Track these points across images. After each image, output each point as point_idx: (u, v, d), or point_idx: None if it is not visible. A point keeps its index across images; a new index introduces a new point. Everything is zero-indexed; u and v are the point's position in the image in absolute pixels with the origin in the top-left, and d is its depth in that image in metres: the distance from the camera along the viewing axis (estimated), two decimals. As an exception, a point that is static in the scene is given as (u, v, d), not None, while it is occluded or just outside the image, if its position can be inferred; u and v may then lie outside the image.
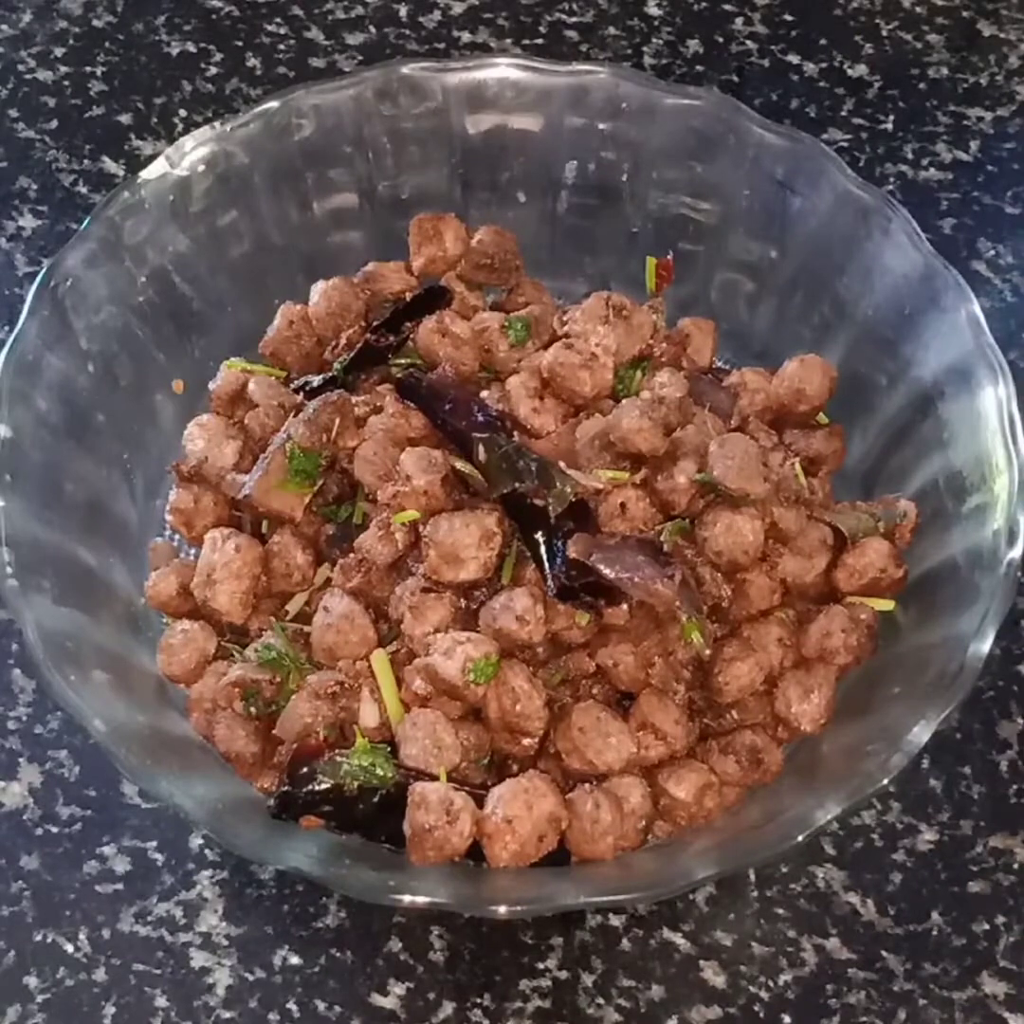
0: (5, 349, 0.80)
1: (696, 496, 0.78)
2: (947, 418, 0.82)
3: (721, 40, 1.17)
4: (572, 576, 0.75)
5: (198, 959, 0.79)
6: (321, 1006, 0.78)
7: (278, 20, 1.18)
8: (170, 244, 0.89)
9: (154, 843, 0.82)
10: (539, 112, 0.93)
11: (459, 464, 0.79)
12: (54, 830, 0.83)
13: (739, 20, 1.18)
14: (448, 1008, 0.78)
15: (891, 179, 1.09)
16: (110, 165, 1.10)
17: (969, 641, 0.72)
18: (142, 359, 0.88)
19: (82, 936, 0.80)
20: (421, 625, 0.76)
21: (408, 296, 0.89)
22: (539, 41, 1.16)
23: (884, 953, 0.80)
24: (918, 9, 1.20)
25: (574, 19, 1.18)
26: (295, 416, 0.83)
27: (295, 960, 0.79)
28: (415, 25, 1.17)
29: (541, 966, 0.79)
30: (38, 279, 0.83)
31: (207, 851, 0.82)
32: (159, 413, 0.90)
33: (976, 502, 0.78)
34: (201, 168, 0.89)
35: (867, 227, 0.87)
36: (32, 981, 0.78)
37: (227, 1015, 0.78)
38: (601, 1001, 0.78)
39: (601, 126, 0.93)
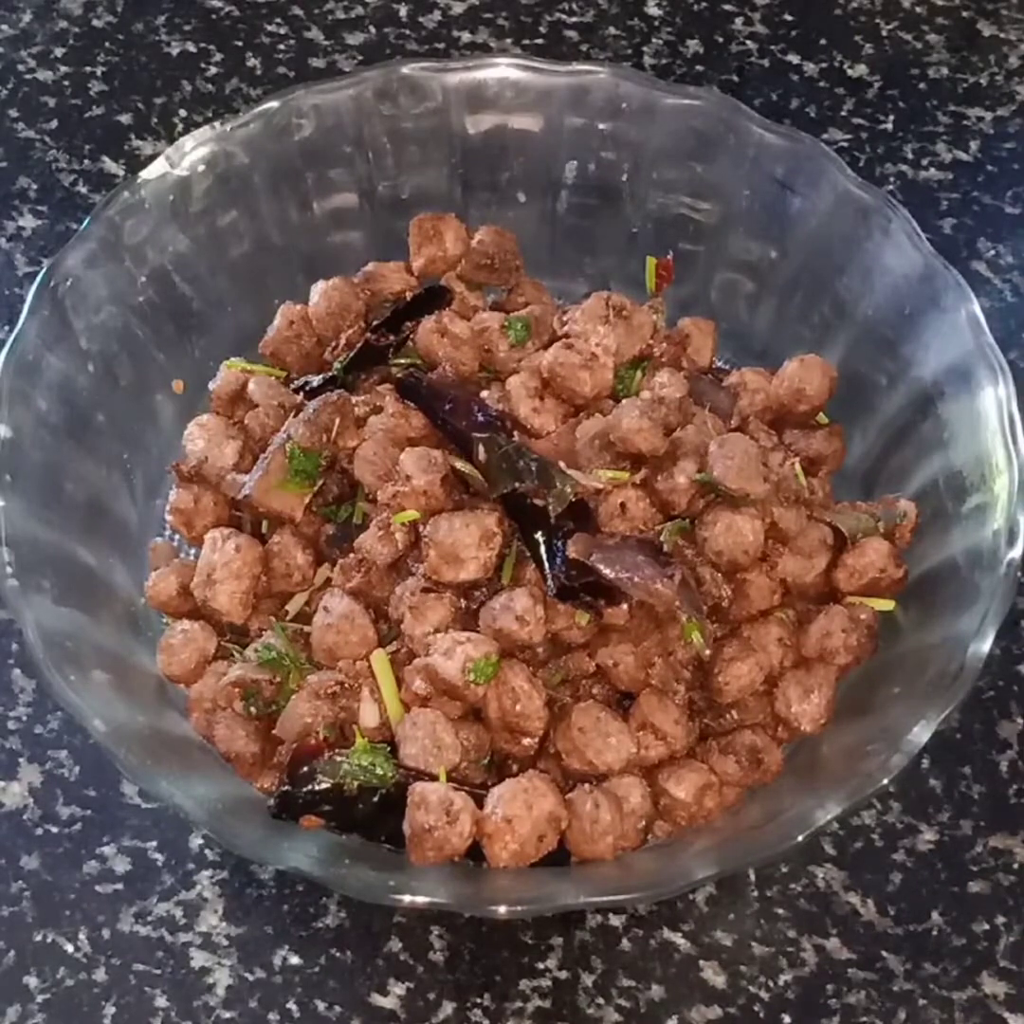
0: (5, 349, 0.80)
1: (696, 496, 0.78)
2: (947, 418, 0.82)
3: (721, 40, 1.17)
4: (572, 576, 0.75)
5: (198, 959, 0.79)
6: (321, 1006, 0.78)
7: (278, 20, 1.18)
8: (170, 244, 0.89)
9: (154, 843, 0.82)
10: (539, 112, 0.93)
11: (459, 464, 0.79)
12: (54, 830, 0.83)
13: (739, 20, 1.18)
14: (448, 1008, 0.78)
15: (891, 179, 1.09)
16: (110, 165, 1.10)
17: (969, 641, 0.72)
18: (142, 359, 0.88)
19: (82, 936, 0.80)
20: (421, 625, 0.76)
21: (408, 296, 0.89)
22: (539, 41, 1.16)
23: (884, 953, 0.80)
24: (918, 9, 1.20)
25: (574, 19, 1.18)
26: (295, 416, 0.83)
27: (295, 960, 0.79)
28: (415, 25, 1.17)
29: (541, 966, 0.79)
30: (38, 279, 0.83)
31: (207, 851, 0.82)
32: (159, 413, 0.90)
33: (976, 502, 0.78)
34: (201, 168, 0.89)
35: (867, 227, 0.87)
36: (32, 981, 0.78)
37: (227, 1015, 0.78)
38: (601, 1001, 0.78)
39: (601, 126, 0.93)
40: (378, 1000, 0.78)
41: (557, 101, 0.93)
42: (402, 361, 0.86)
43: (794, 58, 1.16)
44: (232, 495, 0.84)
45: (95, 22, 1.18)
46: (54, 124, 1.12)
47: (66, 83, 1.14)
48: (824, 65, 1.16)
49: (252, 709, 0.78)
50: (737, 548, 0.77)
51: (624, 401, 0.81)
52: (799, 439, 0.87)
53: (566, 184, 0.95)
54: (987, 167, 1.11)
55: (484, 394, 0.83)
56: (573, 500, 0.77)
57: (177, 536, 0.87)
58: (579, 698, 0.78)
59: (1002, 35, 1.18)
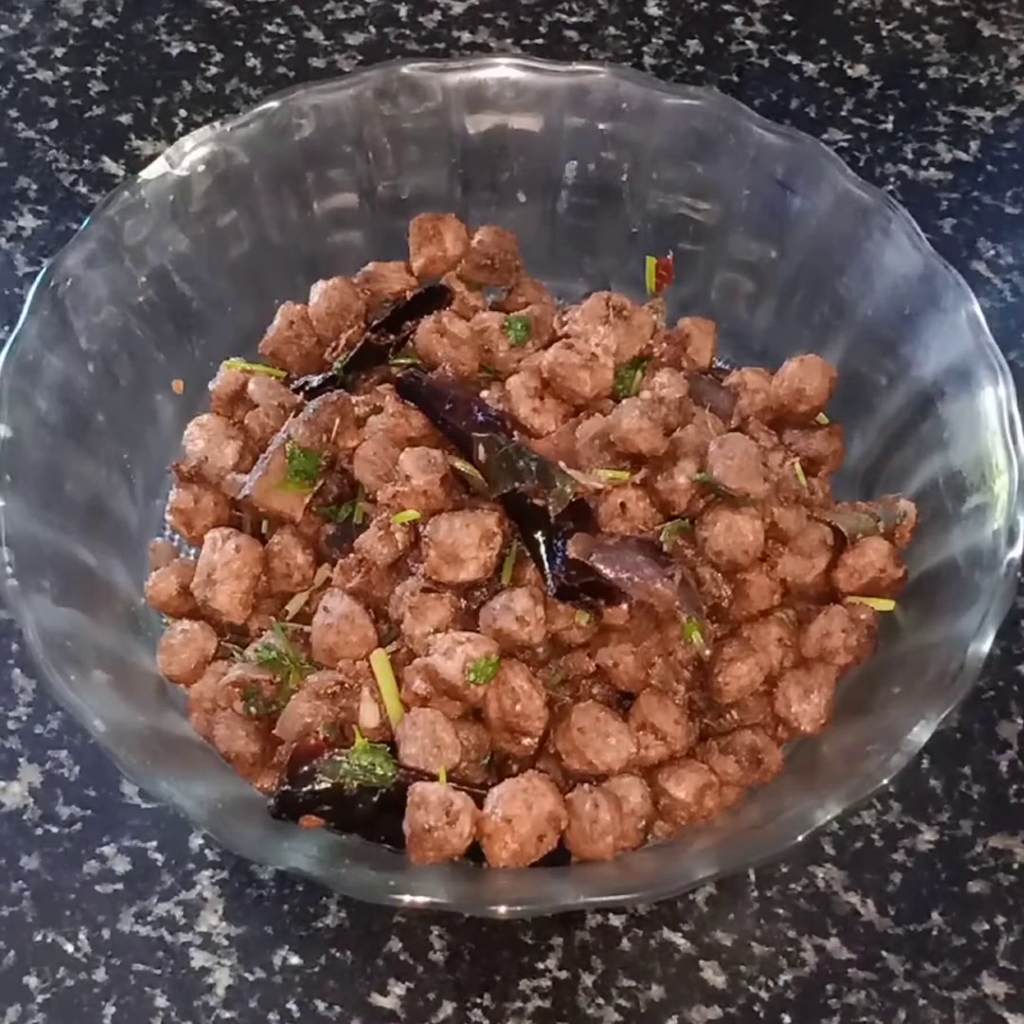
0: (5, 349, 0.80)
1: (696, 496, 0.78)
2: (947, 418, 0.82)
3: (721, 40, 1.17)
4: (572, 576, 0.75)
5: (198, 959, 0.79)
6: (321, 1006, 0.78)
7: (278, 20, 1.18)
8: (170, 244, 0.89)
9: (154, 843, 0.82)
10: (539, 112, 0.93)
11: (459, 464, 0.79)
12: (54, 830, 0.83)
13: (739, 20, 1.18)
14: (448, 1008, 0.78)
15: (891, 179, 1.09)
16: (110, 165, 1.10)
17: (969, 641, 0.72)
18: (142, 359, 0.88)
19: (82, 936, 0.80)
20: (421, 625, 0.76)
21: (408, 296, 0.89)
22: (539, 41, 1.16)
23: (884, 953, 0.80)
24: (918, 9, 1.20)
25: (574, 19, 1.18)
26: (295, 416, 0.83)
27: (295, 960, 0.79)
28: (415, 25, 1.17)
29: (541, 966, 0.79)
30: (38, 279, 0.83)
31: (207, 851, 0.82)
32: (159, 413, 0.90)
33: (976, 502, 0.78)
34: (201, 168, 0.89)
35: (867, 227, 0.87)
36: (32, 981, 0.78)
37: (227, 1015, 0.78)
38: (601, 1001, 0.78)
39: (601, 126, 0.93)
40: (378, 1000, 0.78)
41: (557, 101, 0.93)
42: (402, 361, 0.86)
43: (794, 58, 1.16)
44: (232, 495, 0.84)
45: (95, 22, 1.18)
46: (54, 124, 1.12)
47: (66, 83, 1.14)
48: (824, 65, 1.16)
49: (252, 709, 0.78)
50: (737, 548, 0.77)
51: (624, 401, 0.81)
52: (799, 439, 0.87)
53: (566, 184, 0.95)
54: (987, 167, 1.11)
55: (484, 394, 0.83)
56: (573, 500, 0.77)
57: (177, 536, 0.87)
58: (579, 698, 0.78)
59: (1002, 35, 1.18)
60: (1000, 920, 0.81)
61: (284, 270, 0.94)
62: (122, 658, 0.79)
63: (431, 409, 0.82)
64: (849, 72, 1.16)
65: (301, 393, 0.86)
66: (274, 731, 0.77)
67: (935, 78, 1.15)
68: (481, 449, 0.78)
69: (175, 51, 1.16)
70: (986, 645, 0.72)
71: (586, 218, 0.96)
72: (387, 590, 0.79)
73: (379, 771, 0.73)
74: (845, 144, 1.11)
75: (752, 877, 0.81)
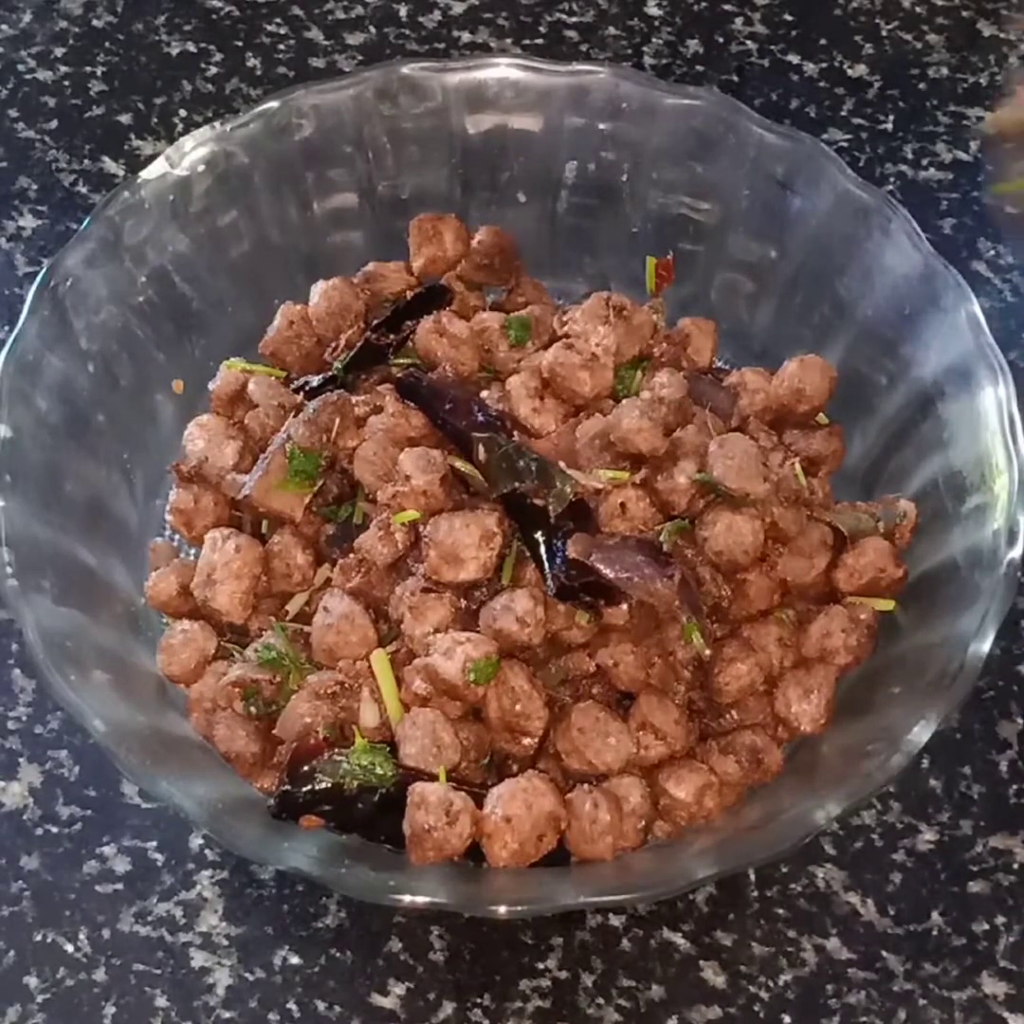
0: (5, 349, 0.80)
1: (696, 496, 0.78)
2: (947, 418, 0.82)
3: (721, 40, 1.17)
4: (572, 576, 0.75)
5: (198, 959, 0.79)
6: (321, 1006, 0.78)
7: (278, 20, 1.18)
8: (170, 244, 0.89)
9: (154, 843, 0.82)
10: (539, 112, 0.93)
11: (459, 464, 0.79)
12: (54, 830, 0.83)
13: (739, 20, 1.18)
14: (448, 1008, 0.78)
15: (891, 179, 1.09)
16: (110, 165, 1.10)
17: (969, 641, 0.72)
18: (142, 359, 0.88)
19: (82, 936, 0.80)
20: (421, 625, 0.76)
21: (408, 296, 0.89)
22: (539, 41, 1.16)
23: (884, 953, 0.80)
24: (918, 9, 1.20)
25: (574, 19, 1.18)
26: (295, 416, 0.83)
27: (295, 960, 0.79)
28: (415, 25, 1.17)
29: (541, 966, 0.79)
30: (38, 279, 0.83)
31: (207, 851, 0.82)
32: (159, 413, 0.90)
33: (976, 502, 0.78)
34: (201, 168, 0.89)
35: (867, 227, 0.87)
36: (32, 981, 0.78)
37: (227, 1015, 0.78)
38: (601, 1001, 0.78)
39: (601, 126, 0.93)
40: (378, 1000, 0.78)
41: (557, 101, 0.93)
42: (402, 361, 0.86)
43: (794, 58, 1.16)
44: (232, 495, 0.84)
45: (95, 22, 1.18)
46: (54, 124, 1.12)
47: (66, 83, 1.14)
48: (824, 65, 1.16)
49: (252, 709, 0.78)
50: (737, 548, 0.77)
51: (624, 401, 0.81)
52: (799, 439, 0.87)
53: (566, 184, 0.95)
54: (987, 167, 1.10)
55: (484, 394, 0.83)
56: (573, 500, 0.77)
57: (177, 536, 0.87)
58: (579, 698, 0.78)
59: (1002, 35, 1.18)
60: (1000, 920, 0.81)
61: (284, 270, 0.94)
62: (122, 658, 0.79)
63: (431, 409, 0.82)
64: (849, 72, 1.16)
65: (301, 393, 0.86)
66: (274, 731, 0.77)
67: (935, 78, 1.15)
68: (481, 449, 0.78)
69: (175, 51, 1.16)
70: (986, 645, 0.72)
71: (586, 218, 0.96)
72: (387, 590, 0.79)
73: (379, 771, 0.73)
74: (845, 144, 1.11)
75: (752, 877, 0.81)
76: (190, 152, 0.89)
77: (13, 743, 0.85)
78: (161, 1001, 0.78)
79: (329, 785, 0.73)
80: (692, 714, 0.78)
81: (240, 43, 1.16)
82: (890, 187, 1.08)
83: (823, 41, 1.17)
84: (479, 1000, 0.78)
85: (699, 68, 1.15)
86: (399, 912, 0.80)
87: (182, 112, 1.12)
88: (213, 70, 1.15)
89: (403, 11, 1.18)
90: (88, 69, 1.15)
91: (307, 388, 0.86)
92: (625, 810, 0.74)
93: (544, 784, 0.73)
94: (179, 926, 0.80)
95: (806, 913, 0.81)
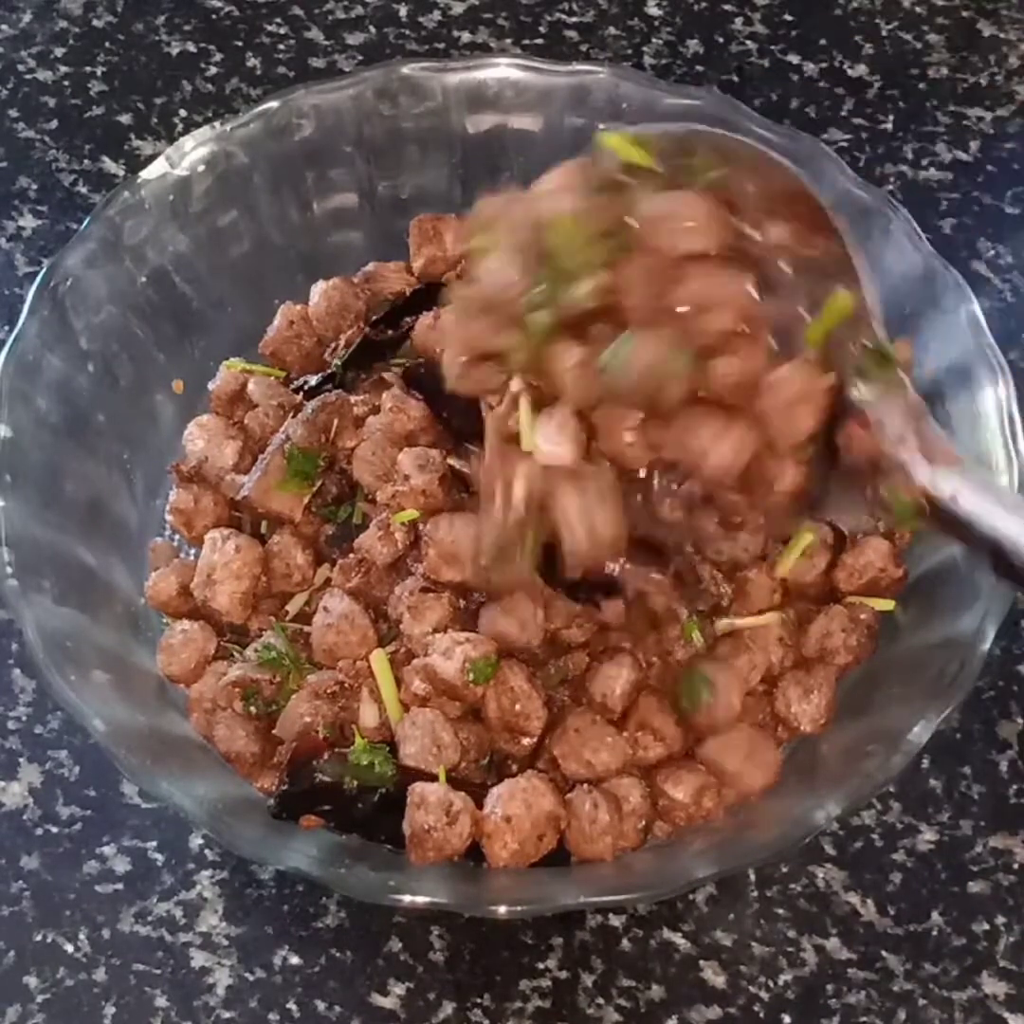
0: (5, 349, 0.80)
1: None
2: (947, 418, 0.82)
3: (721, 40, 1.17)
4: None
5: (198, 959, 0.79)
6: (321, 1006, 0.78)
7: (278, 20, 1.18)
8: (170, 244, 0.89)
9: (154, 843, 0.82)
10: (539, 112, 0.93)
11: (458, 463, 0.79)
12: (54, 830, 0.83)
13: (739, 20, 1.18)
14: (448, 1008, 0.78)
15: (891, 179, 1.09)
16: (110, 165, 1.10)
17: (969, 641, 0.72)
18: (142, 359, 0.88)
19: (82, 936, 0.80)
20: (420, 625, 0.76)
21: (408, 292, 0.89)
22: (539, 41, 1.16)
23: (884, 953, 0.80)
24: (918, 9, 1.20)
25: (574, 19, 1.18)
26: (294, 416, 0.83)
27: (295, 960, 0.79)
28: (415, 25, 1.17)
29: (541, 966, 0.79)
30: (38, 279, 0.83)
31: (207, 851, 0.82)
32: (159, 413, 0.90)
33: (976, 502, 0.78)
34: (201, 168, 0.89)
35: (867, 227, 0.87)
36: (32, 981, 0.78)
37: (227, 1015, 0.78)
38: (601, 1001, 0.78)
39: (601, 126, 0.93)
40: (378, 1000, 0.78)
41: (557, 101, 0.93)
42: (401, 361, 0.86)
43: (794, 58, 1.16)
44: (232, 496, 0.84)
45: (95, 22, 1.18)
46: (54, 124, 1.12)
47: (66, 83, 1.14)
48: (824, 65, 1.16)
49: (252, 709, 0.78)
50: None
51: None
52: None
53: (566, 184, 0.95)
54: (987, 167, 1.11)
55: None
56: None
57: (177, 536, 0.87)
58: (578, 699, 0.78)
59: (1002, 35, 1.18)
60: (1000, 920, 0.81)
61: (284, 270, 0.94)
62: (122, 658, 0.79)
63: (436, 402, 0.81)
64: (849, 72, 1.16)
65: (300, 393, 0.86)
66: (274, 731, 0.77)
67: (935, 78, 1.15)
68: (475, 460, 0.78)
69: (175, 51, 1.16)
70: (986, 645, 0.72)
71: (586, 218, 0.96)
72: (387, 590, 0.79)
73: (379, 771, 0.73)
74: (845, 144, 1.11)
75: (752, 877, 0.81)
76: (190, 152, 0.89)
77: (13, 743, 0.85)
78: (161, 1001, 0.78)
79: (329, 785, 0.73)
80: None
81: (240, 43, 1.16)
82: (890, 187, 1.08)
83: (823, 41, 1.17)
84: (479, 1000, 0.78)
85: (699, 68, 1.15)
86: (399, 912, 0.80)
87: (182, 112, 1.12)
88: (213, 70, 1.15)
89: (403, 11, 1.18)
90: (88, 69, 1.15)
91: (306, 388, 0.86)
92: (625, 810, 0.74)
93: (544, 784, 0.73)
94: (179, 926, 0.80)
95: (806, 913, 0.81)
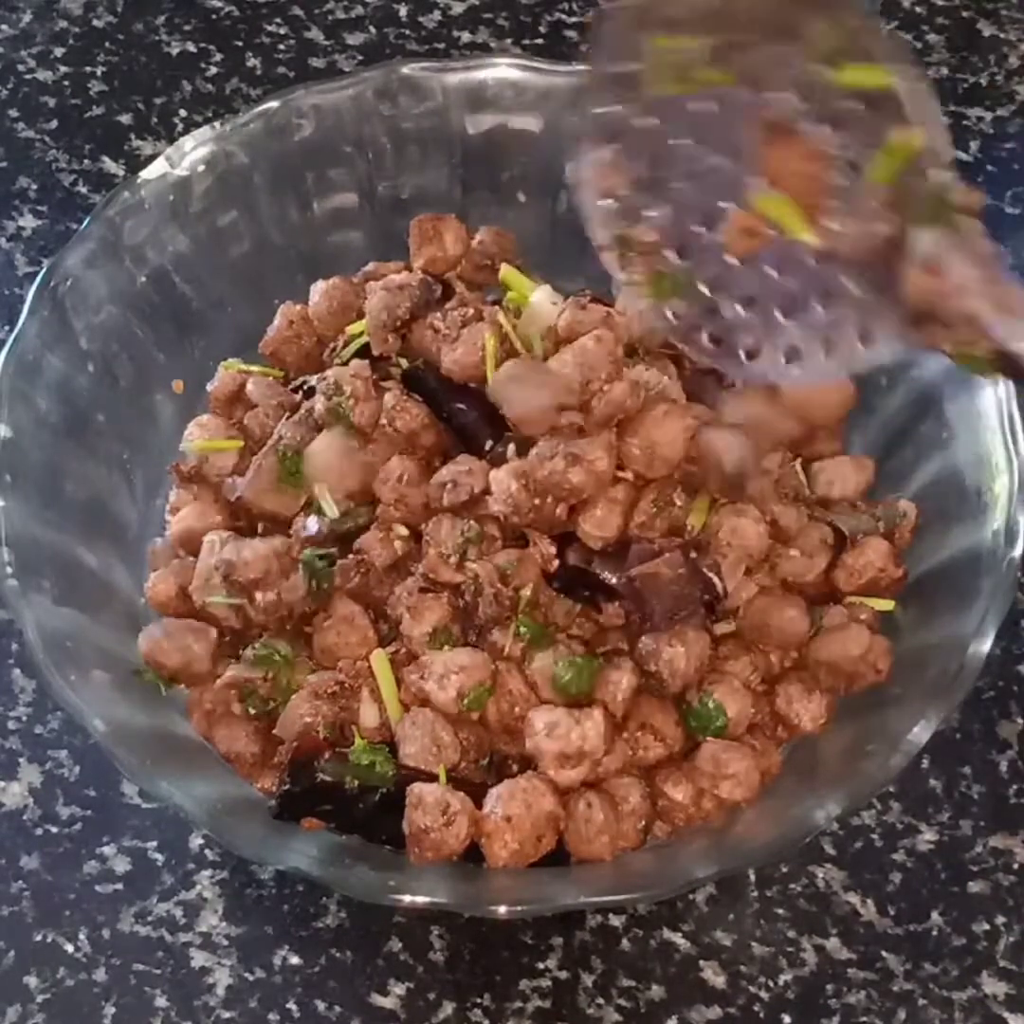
0: (5, 349, 0.80)
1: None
2: (947, 418, 0.82)
3: (721, 40, 1.17)
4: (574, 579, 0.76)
5: (198, 959, 0.79)
6: (321, 1006, 0.78)
7: (278, 20, 1.18)
8: (170, 244, 0.89)
9: (154, 843, 0.82)
10: (539, 112, 0.93)
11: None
12: (54, 830, 0.83)
13: (739, 20, 1.18)
14: (448, 1008, 0.78)
15: (891, 179, 1.09)
16: (110, 165, 1.10)
17: (969, 641, 0.72)
18: (142, 359, 0.88)
19: (82, 936, 0.80)
20: (419, 625, 0.76)
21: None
22: (539, 41, 1.16)
23: (884, 953, 0.80)
24: (918, 9, 1.20)
25: (574, 19, 1.18)
26: (288, 417, 0.83)
27: (295, 960, 0.79)
28: (415, 25, 1.17)
29: (541, 966, 0.79)
30: (38, 279, 0.83)
31: (207, 851, 0.82)
32: (159, 413, 0.90)
33: (976, 502, 0.78)
34: (201, 168, 0.89)
35: (867, 227, 0.87)
36: (32, 981, 0.78)
37: (227, 1015, 0.78)
38: (601, 1001, 0.78)
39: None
40: (378, 1000, 0.78)
41: (557, 101, 0.92)
42: (401, 363, 0.86)
43: (794, 58, 1.16)
44: (228, 497, 0.84)
45: (95, 22, 1.18)
46: (54, 124, 1.12)
47: (66, 83, 1.14)
48: (824, 65, 1.16)
49: (251, 709, 0.78)
50: (742, 551, 0.77)
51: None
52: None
53: (566, 184, 0.95)
54: (987, 167, 1.10)
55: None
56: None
57: (177, 536, 0.87)
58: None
59: (1002, 35, 1.18)
60: (1000, 920, 0.81)
61: (284, 270, 0.94)
62: (122, 658, 0.79)
63: (437, 402, 0.81)
64: (849, 72, 1.15)
65: (300, 393, 0.86)
66: (274, 731, 0.77)
67: (935, 78, 1.15)
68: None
69: (175, 51, 1.16)
70: (986, 645, 0.72)
71: (586, 218, 0.96)
72: (387, 590, 0.79)
73: (379, 771, 0.73)
74: (845, 144, 1.11)
75: (752, 877, 0.81)
76: (190, 152, 0.89)
77: (13, 743, 0.85)
78: (161, 1001, 0.78)
79: (329, 785, 0.73)
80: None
81: (240, 43, 1.16)
82: (890, 187, 1.08)
83: (823, 41, 1.17)
84: (479, 1000, 0.78)
85: (699, 68, 1.15)
86: (399, 912, 0.80)
87: (182, 112, 1.12)
88: (213, 70, 1.15)
89: (403, 11, 1.18)
90: (88, 69, 1.15)
91: (306, 388, 0.86)
92: (625, 810, 0.74)
93: (543, 784, 0.73)
94: (179, 926, 0.80)
95: (806, 913, 0.81)
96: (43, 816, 0.83)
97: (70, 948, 0.79)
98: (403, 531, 0.79)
